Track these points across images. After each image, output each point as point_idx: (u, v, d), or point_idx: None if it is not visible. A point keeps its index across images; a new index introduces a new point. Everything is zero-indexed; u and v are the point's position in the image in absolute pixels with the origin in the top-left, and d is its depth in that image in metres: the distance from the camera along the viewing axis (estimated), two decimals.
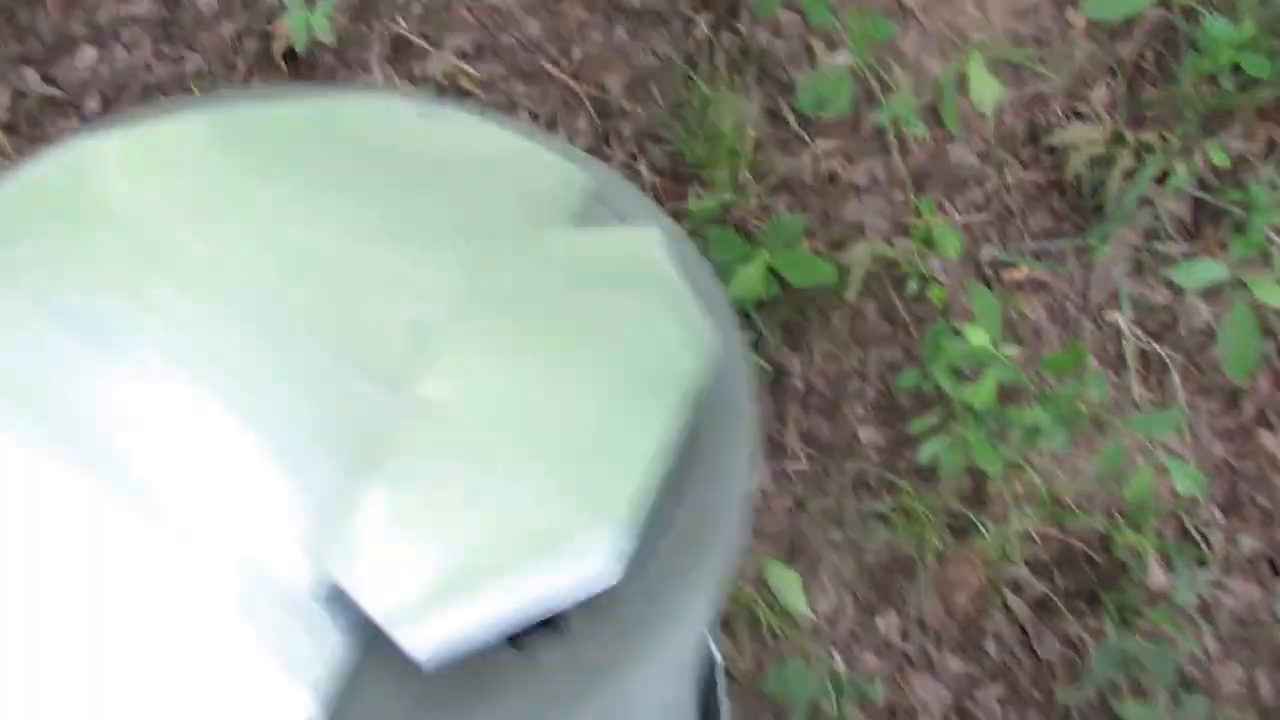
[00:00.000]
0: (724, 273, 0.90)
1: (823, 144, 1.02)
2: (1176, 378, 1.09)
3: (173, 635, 0.20)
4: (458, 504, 0.22)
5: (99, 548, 0.21)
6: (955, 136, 1.05)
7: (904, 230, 1.02)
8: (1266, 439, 1.10)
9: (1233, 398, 1.10)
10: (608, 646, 0.23)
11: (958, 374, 0.96)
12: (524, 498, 0.22)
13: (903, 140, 1.02)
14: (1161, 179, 1.05)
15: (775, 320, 0.97)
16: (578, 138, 0.98)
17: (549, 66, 0.98)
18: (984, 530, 1.00)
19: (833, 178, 1.03)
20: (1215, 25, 0.96)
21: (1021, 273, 1.06)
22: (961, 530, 1.01)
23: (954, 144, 1.06)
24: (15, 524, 0.22)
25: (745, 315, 0.98)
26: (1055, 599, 1.07)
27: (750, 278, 0.84)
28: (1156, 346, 1.09)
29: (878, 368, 1.04)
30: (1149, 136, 1.03)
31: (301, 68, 0.98)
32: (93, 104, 1.01)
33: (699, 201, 0.89)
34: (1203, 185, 1.09)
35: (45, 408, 0.23)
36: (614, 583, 0.21)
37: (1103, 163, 1.05)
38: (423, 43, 0.96)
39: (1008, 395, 1.01)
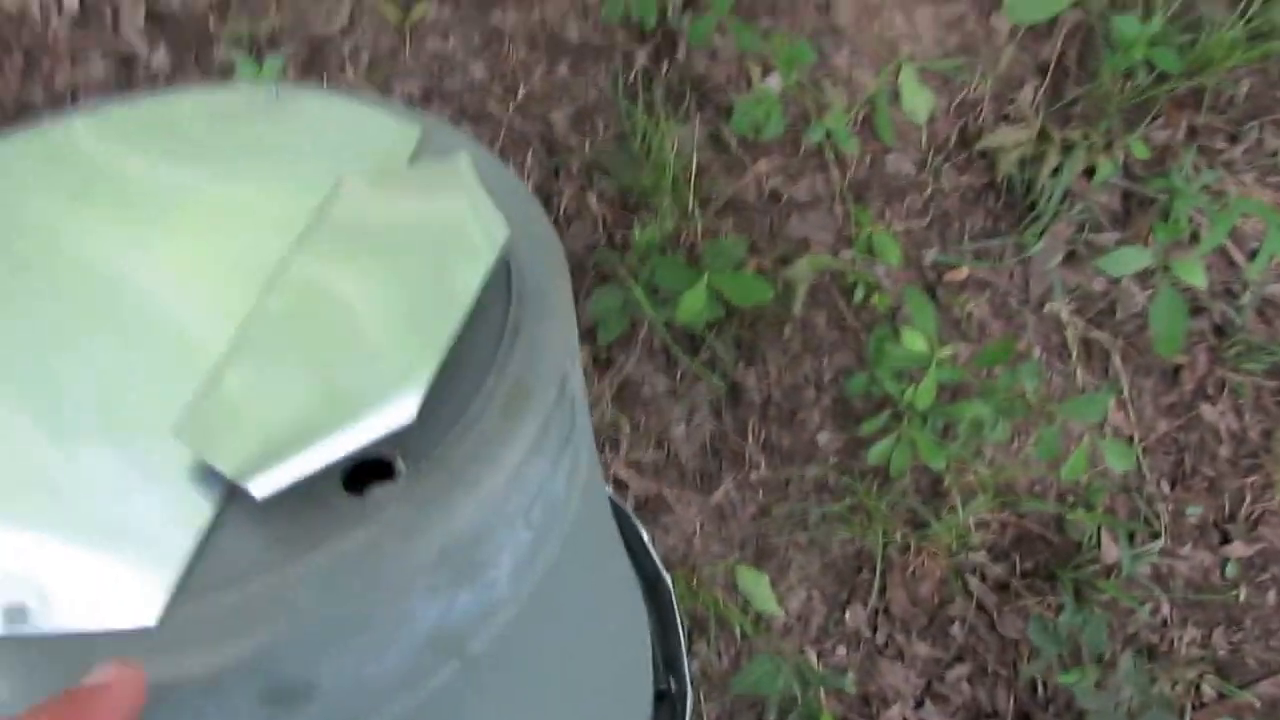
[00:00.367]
0: (671, 298, 0.96)
1: (764, 164, 1.09)
2: (1118, 360, 1.17)
3: (59, 507, 0.27)
4: (289, 386, 0.29)
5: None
6: (891, 147, 1.12)
7: (847, 241, 1.09)
8: (1207, 411, 1.18)
9: (1173, 375, 1.18)
10: (437, 487, 0.28)
11: (901, 376, 1.04)
12: (340, 373, 0.29)
13: (840, 155, 1.09)
14: (1089, 173, 1.12)
15: (728, 338, 1.05)
16: (528, 173, 1.05)
17: (495, 107, 1.04)
18: (941, 521, 1.08)
19: (775, 196, 1.10)
20: (1125, 24, 1.03)
21: (963, 273, 1.13)
22: (920, 523, 1.09)
23: (891, 154, 1.13)
24: None
25: (698, 336, 1.05)
26: (1015, 580, 1.15)
27: (694, 301, 0.91)
28: (1096, 332, 1.17)
29: (831, 374, 1.11)
30: (1074, 134, 1.11)
31: None
32: None
33: (643, 233, 0.96)
34: (1129, 175, 1.16)
35: None
36: (407, 420, 0.27)
37: (1032, 162, 1.12)
38: (373, 91, 1.03)
39: (952, 393, 1.08)
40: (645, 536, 0.77)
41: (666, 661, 0.72)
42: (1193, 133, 1.15)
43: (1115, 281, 1.16)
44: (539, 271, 0.35)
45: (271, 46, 1.03)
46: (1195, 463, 1.20)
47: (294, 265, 0.32)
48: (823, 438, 1.11)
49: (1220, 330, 1.19)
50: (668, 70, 1.11)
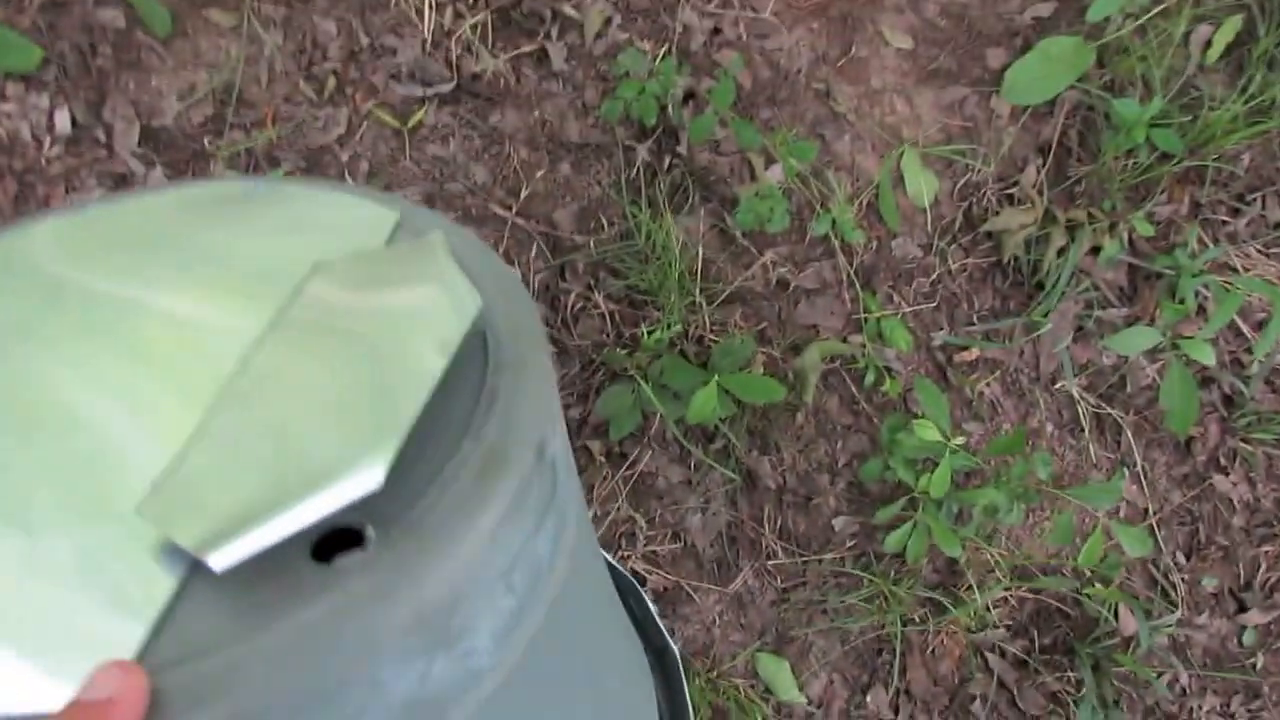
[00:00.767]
0: (682, 398, 0.99)
1: (770, 254, 1.12)
2: (1130, 434, 1.20)
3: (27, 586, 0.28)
4: (254, 462, 0.30)
5: None
6: (897, 231, 1.15)
7: (857, 326, 1.12)
8: (1219, 481, 1.21)
9: (1185, 447, 1.21)
10: (406, 555, 0.29)
11: (915, 463, 1.07)
12: (307, 448, 0.30)
13: (846, 242, 1.11)
14: (1095, 251, 1.15)
15: (741, 428, 1.08)
16: (534, 274, 1.08)
17: (498, 209, 1.07)
18: (959, 602, 1.11)
19: (783, 284, 1.13)
20: (1124, 107, 1.06)
21: (973, 354, 1.16)
22: (938, 604, 1.11)
23: (897, 238, 1.16)
24: None
25: (711, 427, 1.08)
26: (1033, 656, 1.17)
27: (705, 401, 0.95)
28: (1108, 408, 1.20)
29: (845, 459, 1.14)
30: (1078, 214, 1.14)
31: None
32: None
33: (651, 336, 0.99)
34: (1135, 251, 1.19)
35: None
36: (373, 488, 0.28)
37: (1038, 242, 1.15)
38: None
39: (965, 478, 1.11)
40: (652, 606, 0.79)
41: None
42: (1196, 207, 1.18)
43: (1125, 357, 1.19)
44: (516, 341, 0.36)
45: (269, 160, 1.06)
46: (1210, 533, 1.23)
47: (263, 349, 0.33)
48: (839, 523, 1.14)
49: (1230, 400, 1.22)
50: (670, 165, 1.15)
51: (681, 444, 1.11)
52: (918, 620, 1.17)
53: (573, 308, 1.11)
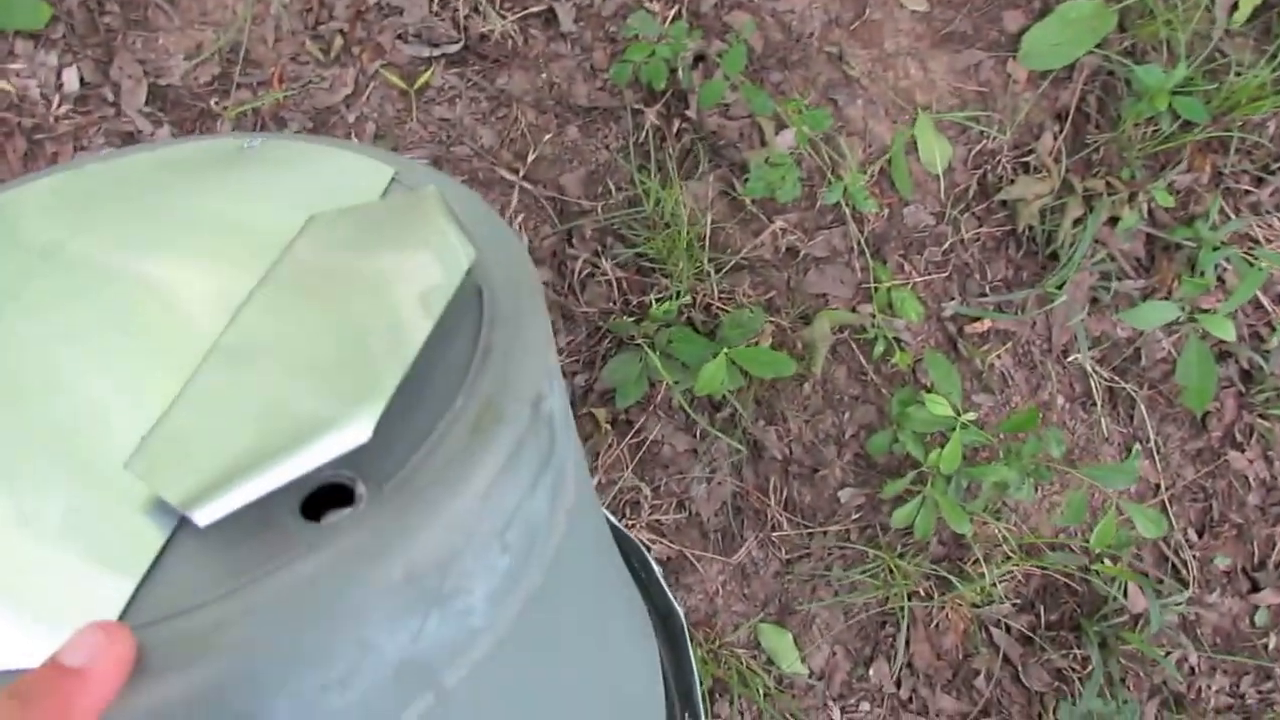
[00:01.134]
0: (691, 370, 1.02)
1: (780, 221, 1.14)
2: (1143, 409, 1.21)
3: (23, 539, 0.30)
4: (242, 417, 0.30)
5: None
6: (909, 199, 1.17)
7: (867, 296, 1.14)
8: (1235, 458, 1.23)
9: (1200, 421, 1.22)
10: (397, 513, 0.29)
11: (924, 437, 1.09)
12: (295, 403, 0.30)
13: (858, 210, 1.13)
14: (1112, 221, 1.16)
15: (748, 398, 1.10)
16: (541, 240, 1.10)
17: (506, 173, 1.10)
18: (965, 578, 1.13)
19: (793, 252, 1.15)
20: (1147, 74, 1.07)
21: (984, 325, 1.18)
22: (943, 579, 1.14)
23: (909, 206, 1.17)
24: None
25: (718, 397, 1.10)
26: (1039, 632, 1.19)
27: (714, 374, 0.98)
28: (1121, 382, 1.21)
29: (852, 431, 1.16)
30: (1095, 183, 1.15)
31: None
32: None
33: (660, 305, 1.01)
34: (1154, 221, 1.20)
35: None
36: (362, 441, 0.29)
37: (1053, 211, 1.17)
38: None
39: (974, 452, 1.13)
40: (657, 570, 0.81)
41: (682, 695, 0.75)
42: (1218, 176, 1.19)
43: (1140, 330, 1.20)
44: (512, 296, 0.37)
45: (276, 121, 1.08)
46: (1223, 510, 1.24)
47: (251, 307, 0.34)
48: (845, 495, 1.17)
49: (1248, 376, 1.23)
50: (679, 130, 1.16)
51: (688, 413, 1.13)
52: (923, 595, 1.20)
53: (580, 274, 1.13)
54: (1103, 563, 1.23)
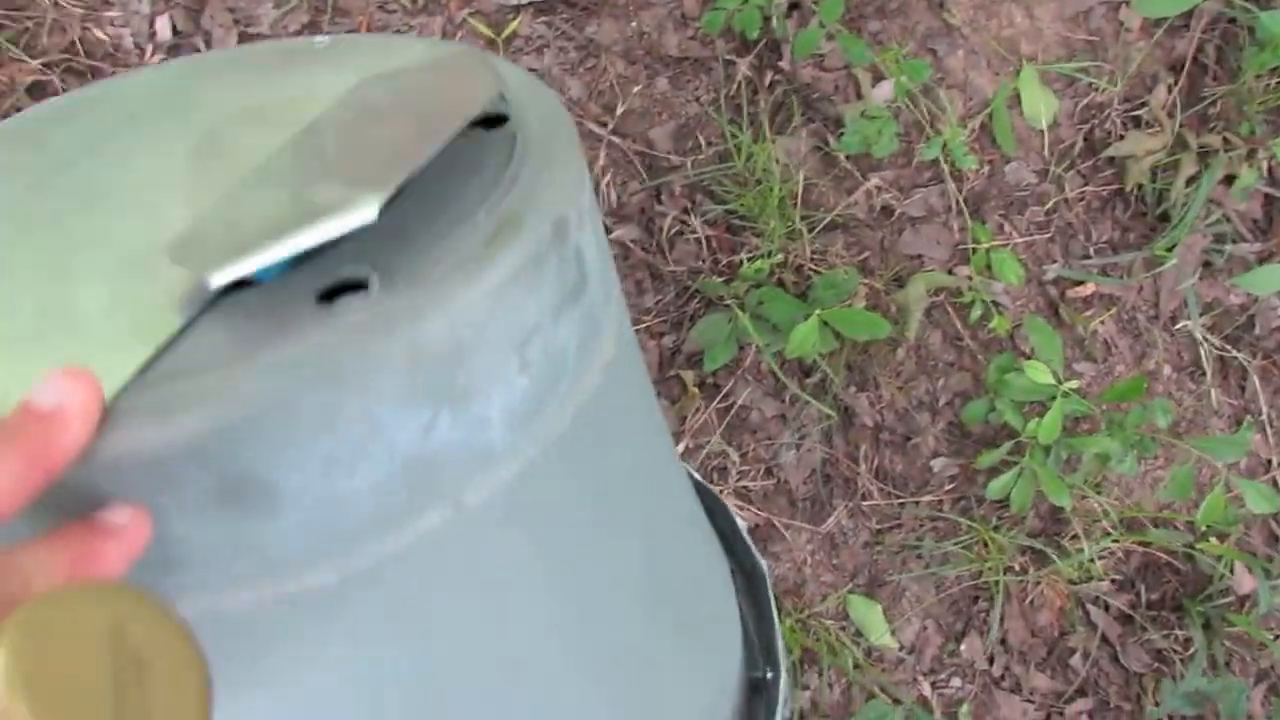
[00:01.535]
0: (781, 332, 1.03)
1: (875, 179, 1.14)
2: (1256, 380, 1.20)
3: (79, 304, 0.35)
4: (264, 206, 0.35)
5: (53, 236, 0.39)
6: (1011, 156, 1.16)
7: (964, 257, 1.14)
8: None
9: None
10: (406, 298, 0.33)
11: (1023, 406, 1.09)
12: (316, 195, 0.34)
13: (957, 168, 1.13)
14: (1228, 180, 1.14)
15: (839, 362, 1.11)
16: (629, 196, 1.11)
17: (594, 126, 1.11)
18: (1063, 553, 1.13)
19: (887, 211, 1.15)
20: (1272, 20, 1.05)
21: (1088, 289, 1.18)
22: (1040, 553, 1.14)
23: (1011, 163, 1.17)
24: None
25: (808, 360, 1.10)
26: (1139, 611, 1.19)
27: (805, 335, 0.99)
28: (1233, 351, 1.20)
29: (947, 398, 1.17)
30: (1212, 139, 1.14)
31: None
32: None
33: (750, 264, 1.02)
34: (1273, 180, 1.18)
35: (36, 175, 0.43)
36: (368, 220, 0.32)
37: (1164, 170, 1.15)
38: None
39: (1075, 423, 1.12)
40: (741, 525, 0.82)
41: (764, 647, 0.76)
42: None
43: (1254, 296, 1.19)
44: (544, 140, 0.40)
45: None
46: None
47: (296, 137, 0.39)
48: (938, 464, 1.17)
49: None
50: (771, 81, 1.17)
51: (777, 377, 1.14)
52: (1018, 569, 1.20)
53: (668, 232, 1.14)
54: (1208, 540, 1.22)
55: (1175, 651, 1.24)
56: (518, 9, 1.17)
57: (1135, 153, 1.20)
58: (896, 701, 1.17)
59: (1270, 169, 1.22)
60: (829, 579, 1.19)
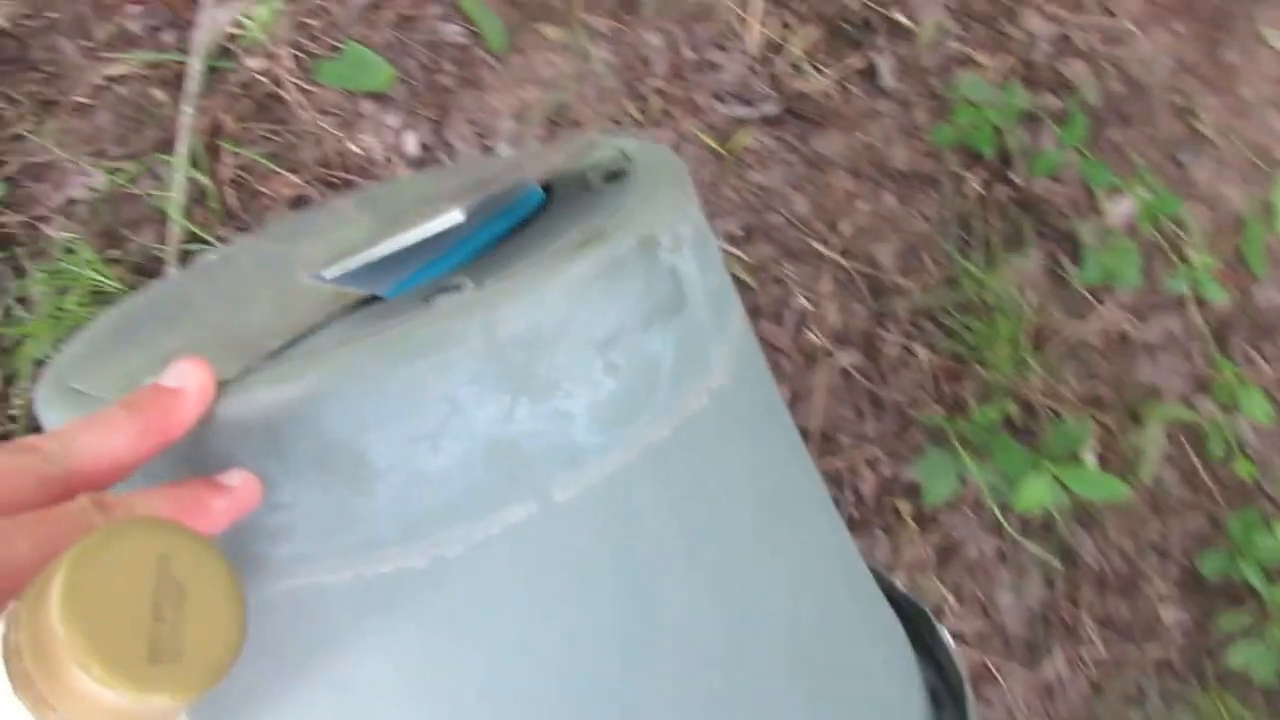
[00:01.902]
0: (1009, 481, 1.02)
1: (1111, 304, 1.12)
2: None
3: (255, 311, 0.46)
4: (390, 231, 0.42)
5: (260, 278, 0.51)
6: (1262, 277, 1.12)
7: (1205, 389, 1.11)
8: None
9: None
10: (490, 291, 0.38)
11: (1271, 572, 1.05)
12: (423, 218, 0.41)
13: (1201, 294, 1.10)
14: None
15: (1066, 508, 1.09)
16: (853, 319, 1.13)
17: (818, 244, 1.13)
18: None
19: (1123, 338, 1.13)
20: None
21: None
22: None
23: (1261, 286, 1.13)
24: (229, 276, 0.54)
25: None
26: None
27: (1035, 492, 1.00)
28: None
29: (1180, 542, 1.14)
30: None
31: None
32: None
33: (980, 411, 1.02)
34: None
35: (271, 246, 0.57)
36: (455, 221, 0.40)
37: None
38: None
39: None
40: (945, 635, 0.77)
41: None
42: None
43: None
44: (651, 180, 0.46)
45: None
46: None
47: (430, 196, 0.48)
48: (1168, 614, 1.15)
49: None
50: (1003, 194, 1.15)
51: (998, 517, 1.13)
52: None
53: (891, 358, 1.15)
54: None
55: None
56: (745, 121, 1.20)
57: None
58: None
59: None
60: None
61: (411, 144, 1.16)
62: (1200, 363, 1.20)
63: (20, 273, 1.12)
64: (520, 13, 1.20)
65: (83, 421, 0.33)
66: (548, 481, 0.39)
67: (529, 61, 1.21)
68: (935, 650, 0.80)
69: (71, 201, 1.13)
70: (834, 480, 1.20)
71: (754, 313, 1.20)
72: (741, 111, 1.22)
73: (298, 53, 1.16)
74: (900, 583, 1.20)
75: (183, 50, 1.15)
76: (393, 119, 1.17)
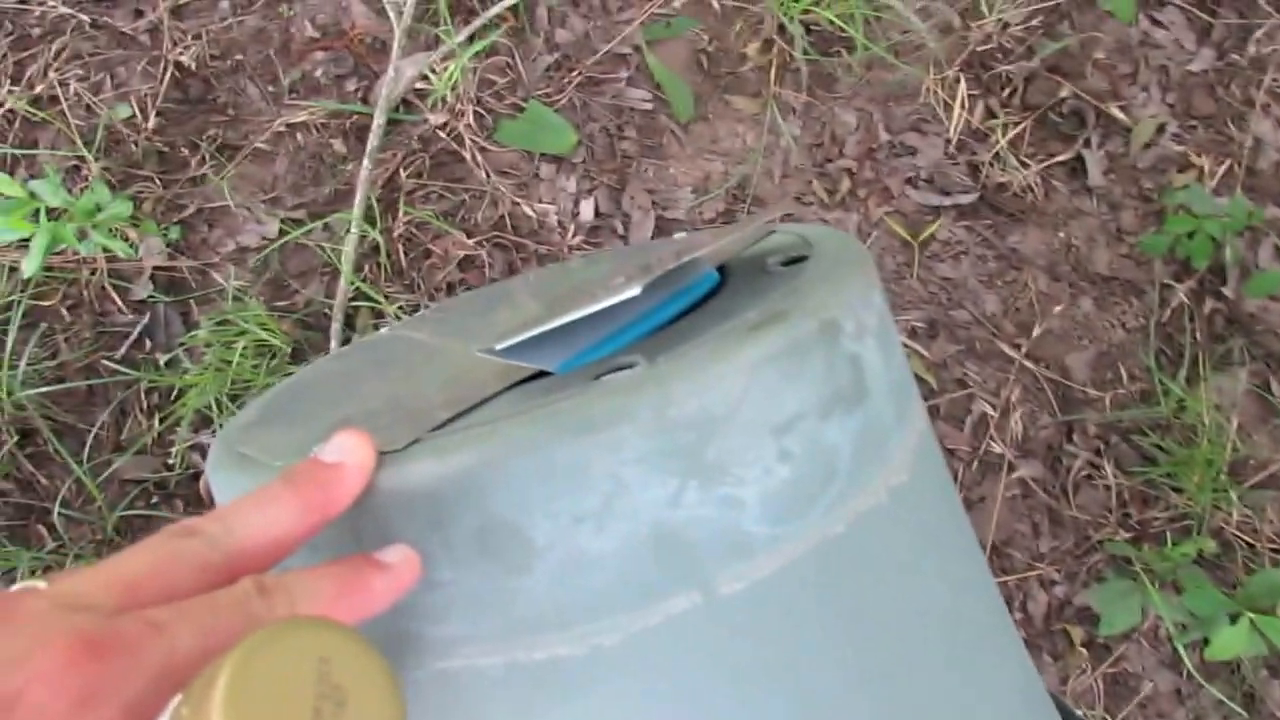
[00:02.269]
0: (1202, 623, 0.99)
1: None
2: None
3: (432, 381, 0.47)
4: (562, 305, 0.44)
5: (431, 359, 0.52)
6: None
7: None
8: None
9: None
10: (662, 370, 0.38)
11: None
12: (597, 288, 0.43)
13: None
14: None
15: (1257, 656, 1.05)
16: (1038, 429, 1.09)
17: (1006, 346, 1.11)
18: None
19: None
20: None
21: None
22: None
23: None
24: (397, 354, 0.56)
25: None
26: None
27: (1232, 641, 0.96)
28: None
29: None
30: None
31: None
32: None
33: (1175, 548, 0.99)
34: None
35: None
36: (630, 294, 0.40)
37: None
38: None
39: None
40: None
41: None
42: None
43: None
44: (834, 265, 0.46)
45: None
46: None
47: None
48: None
49: None
50: (1210, 311, 1.12)
51: (1181, 652, 1.09)
52: None
53: (1075, 474, 1.12)
54: None
55: None
56: (938, 210, 1.17)
57: None
58: None
59: None
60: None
61: (588, 210, 1.15)
62: None
63: (187, 317, 1.14)
64: (711, 82, 1.19)
65: (243, 501, 0.34)
66: (714, 572, 0.38)
67: (715, 132, 1.19)
68: None
69: (243, 249, 1.14)
70: (1003, 597, 1.17)
71: (932, 413, 1.18)
72: (935, 200, 1.19)
73: (480, 109, 1.15)
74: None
75: (366, 101, 1.16)
76: (570, 183, 1.16)
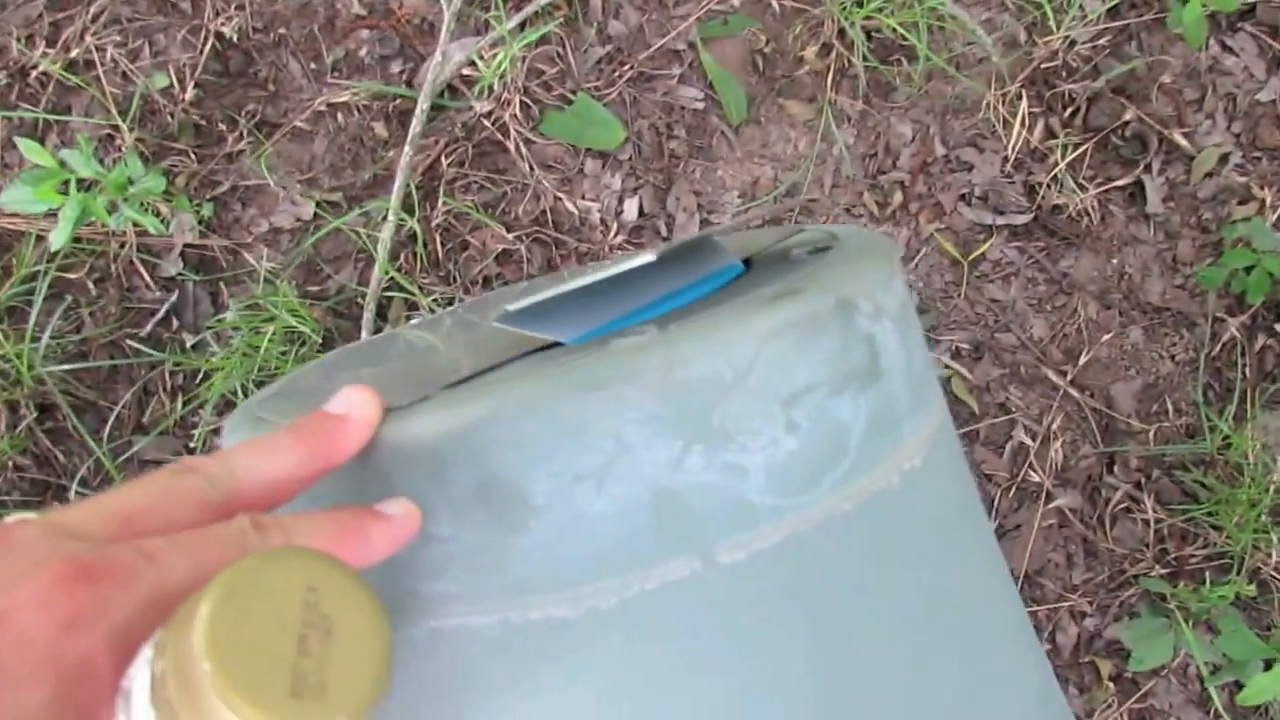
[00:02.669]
0: (1236, 666, 1.01)
1: None
2: None
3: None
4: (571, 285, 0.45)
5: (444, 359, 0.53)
6: None
7: None
8: None
9: None
10: (671, 333, 0.39)
11: None
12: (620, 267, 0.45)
13: None
14: None
15: None
16: (1079, 459, 1.11)
17: (1051, 373, 1.12)
18: None
19: None
20: None
21: None
22: None
23: None
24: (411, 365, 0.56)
25: None
26: None
27: (1267, 687, 0.97)
28: None
29: None
30: None
31: None
32: None
33: (1213, 590, 1.01)
34: None
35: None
36: (646, 260, 0.41)
37: None
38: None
39: None
40: None
41: None
42: None
43: None
44: (856, 251, 0.47)
45: None
46: None
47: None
48: None
49: None
50: (1262, 347, 1.13)
51: (1212, 693, 1.11)
52: None
53: (1114, 506, 1.14)
54: None
55: None
56: (991, 229, 1.17)
57: None
58: None
59: None
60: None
61: (631, 209, 1.16)
62: None
63: (216, 298, 1.14)
64: (766, 85, 1.20)
65: (246, 443, 0.35)
66: (714, 539, 0.38)
67: (766, 136, 1.20)
68: None
69: (276, 230, 1.15)
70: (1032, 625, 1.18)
71: (971, 438, 1.19)
72: (988, 219, 1.20)
73: (526, 100, 1.16)
74: None
75: (410, 84, 1.16)
76: (615, 181, 1.17)
